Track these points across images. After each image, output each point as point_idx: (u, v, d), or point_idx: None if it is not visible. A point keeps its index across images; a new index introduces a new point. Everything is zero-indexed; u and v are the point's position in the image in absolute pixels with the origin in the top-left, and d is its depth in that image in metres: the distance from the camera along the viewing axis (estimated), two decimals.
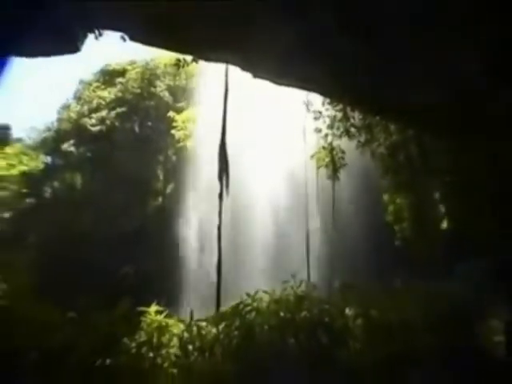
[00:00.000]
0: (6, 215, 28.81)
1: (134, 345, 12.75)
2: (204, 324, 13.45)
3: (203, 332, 13.15)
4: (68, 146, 29.38)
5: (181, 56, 16.83)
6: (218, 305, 16.01)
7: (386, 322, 13.17)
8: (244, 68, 14.69)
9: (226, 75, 18.91)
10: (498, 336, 13.29)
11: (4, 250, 26.64)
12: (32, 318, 12.95)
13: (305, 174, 20.58)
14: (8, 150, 29.93)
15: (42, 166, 29.56)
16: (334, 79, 13.10)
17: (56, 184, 29.75)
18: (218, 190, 17.82)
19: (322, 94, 16.81)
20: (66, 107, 32.66)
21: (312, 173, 20.38)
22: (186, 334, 13.16)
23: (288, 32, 11.51)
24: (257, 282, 16.91)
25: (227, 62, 15.74)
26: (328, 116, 19.28)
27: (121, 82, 30.65)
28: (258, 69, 14.64)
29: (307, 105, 19.63)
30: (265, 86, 14.99)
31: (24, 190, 28.47)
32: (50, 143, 30.73)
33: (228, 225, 18.35)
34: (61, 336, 12.56)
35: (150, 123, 29.99)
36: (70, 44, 13.63)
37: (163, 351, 12.84)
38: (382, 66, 12.12)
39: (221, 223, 17.36)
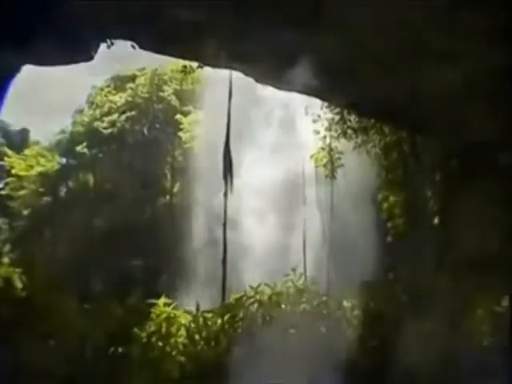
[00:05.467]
0: (25, 212, 29.06)
1: (144, 334, 12.85)
2: (210, 315, 13.51)
3: (209, 323, 13.22)
4: (81, 148, 29.45)
5: (187, 62, 16.90)
6: (224, 297, 16.08)
7: (379, 312, 13.25)
8: (247, 74, 14.81)
9: (230, 80, 18.98)
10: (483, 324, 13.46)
11: (24, 244, 26.96)
12: (50, 307, 13.04)
13: (303, 174, 20.59)
14: (27, 152, 30.21)
15: (57, 166, 29.73)
16: (333, 87, 13.22)
17: (70, 183, 29.89)
18: (222, 189, 17.88)
19: (320, 98, 16.88)
20: (80, 111, 32.75)
21: (311, 172, 20.36)
22: (192, 325, 13.24)
23: (288, 43, 11.64)
24: (259, 275, 16.91)
25: (230, 68, 15.84)
26: (326, 118, 19.30)
27: (131, 87, 30.63)
28: (260, 75, 14.75)
29: (306, 108, 19.68)
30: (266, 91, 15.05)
31: (41, 189, 28.66)
32: (65, 145, 30.83)
33: (232, 221, 18.33)
34: (76, 325, 12.66)
35: (158, 126, 29.95)
36: (83, 53, 13.73)
37: (172, 340, 12.93)
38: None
39: (226, 221, 17.42)
